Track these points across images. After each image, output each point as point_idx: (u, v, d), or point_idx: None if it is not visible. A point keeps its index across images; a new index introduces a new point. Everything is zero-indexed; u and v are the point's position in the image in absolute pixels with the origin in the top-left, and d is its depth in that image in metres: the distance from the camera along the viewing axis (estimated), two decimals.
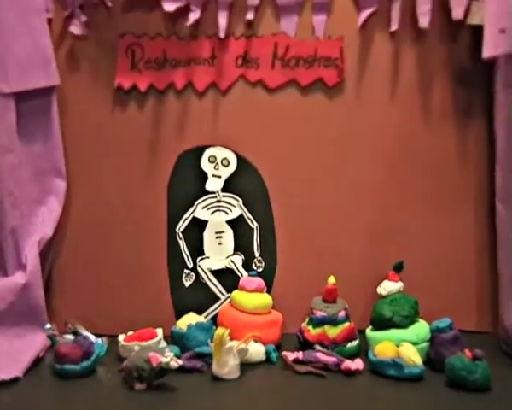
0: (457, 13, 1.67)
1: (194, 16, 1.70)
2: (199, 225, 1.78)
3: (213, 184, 1.79)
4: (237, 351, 1.47)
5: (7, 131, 1.57)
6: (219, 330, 1.47)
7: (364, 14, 1.73)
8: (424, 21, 1.70)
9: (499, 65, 1.60)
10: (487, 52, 1.58)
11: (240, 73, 1.76)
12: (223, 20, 1.72)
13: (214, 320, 1.70)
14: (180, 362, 1.40)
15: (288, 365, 1.51)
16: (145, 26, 1.74)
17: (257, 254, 1.79)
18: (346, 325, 1.60)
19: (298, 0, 1.74)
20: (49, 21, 1.68)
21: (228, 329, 1.47)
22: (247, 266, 1.78)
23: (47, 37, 1.63)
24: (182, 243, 1.78)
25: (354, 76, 1.76)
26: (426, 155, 1.76)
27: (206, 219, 1.78)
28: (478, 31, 1.63)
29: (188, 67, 1.75)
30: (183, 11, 1.70)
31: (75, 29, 1.71)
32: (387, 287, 1.61)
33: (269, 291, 1.73)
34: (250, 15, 1.73)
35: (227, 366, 1.46)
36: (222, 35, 1.72)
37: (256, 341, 1.57)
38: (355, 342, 1.60)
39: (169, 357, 1.38)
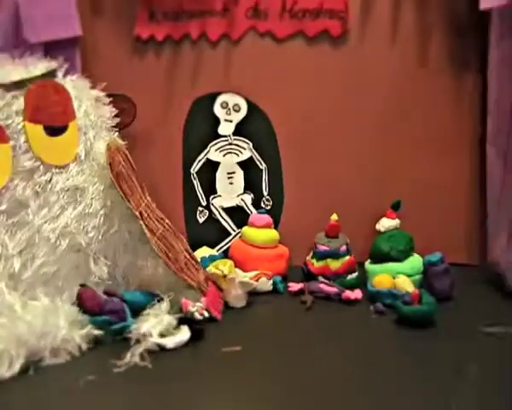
0: None
1: None
2: (212, 167, 1.89)
3: (225, 128, 1.89)
4: (239, 283, 1.54)
5: None
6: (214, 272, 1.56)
7: None
8: None
9: (494, 17, 1.66)
10: (484, 4, 1.62)
11: (250, 24, 1.84)
12: None
13: (225, 253, 1.82)
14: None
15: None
16: None
17: (265, 193, 1.90)
18: (347, 258, 1.70)
19: None
20: None
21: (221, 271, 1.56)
22: (256, 204, 1.90)
23: None
24: (196, 182, 1.89)
25: (357, 27, 1.83)
26: (423, 97, 1.85)
27: (218, 160, 1.89)
28: None
29: (202, 19, 1.83)
30: None
31: None
32: (385, 224, 1.70)
33: (276, 227, 1.84)
34: None
35: (232, 295, 1.54)
36: None
37: (266, 278, 1.66)
38: (355, 274, 1.70)
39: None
